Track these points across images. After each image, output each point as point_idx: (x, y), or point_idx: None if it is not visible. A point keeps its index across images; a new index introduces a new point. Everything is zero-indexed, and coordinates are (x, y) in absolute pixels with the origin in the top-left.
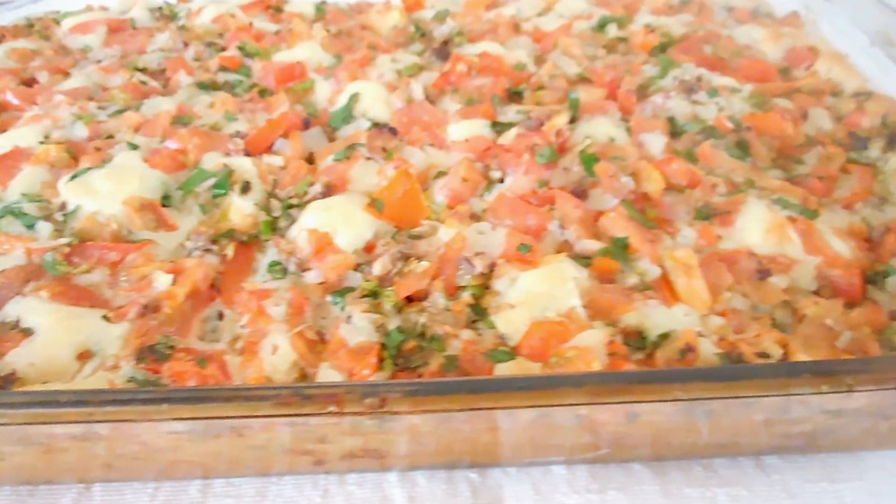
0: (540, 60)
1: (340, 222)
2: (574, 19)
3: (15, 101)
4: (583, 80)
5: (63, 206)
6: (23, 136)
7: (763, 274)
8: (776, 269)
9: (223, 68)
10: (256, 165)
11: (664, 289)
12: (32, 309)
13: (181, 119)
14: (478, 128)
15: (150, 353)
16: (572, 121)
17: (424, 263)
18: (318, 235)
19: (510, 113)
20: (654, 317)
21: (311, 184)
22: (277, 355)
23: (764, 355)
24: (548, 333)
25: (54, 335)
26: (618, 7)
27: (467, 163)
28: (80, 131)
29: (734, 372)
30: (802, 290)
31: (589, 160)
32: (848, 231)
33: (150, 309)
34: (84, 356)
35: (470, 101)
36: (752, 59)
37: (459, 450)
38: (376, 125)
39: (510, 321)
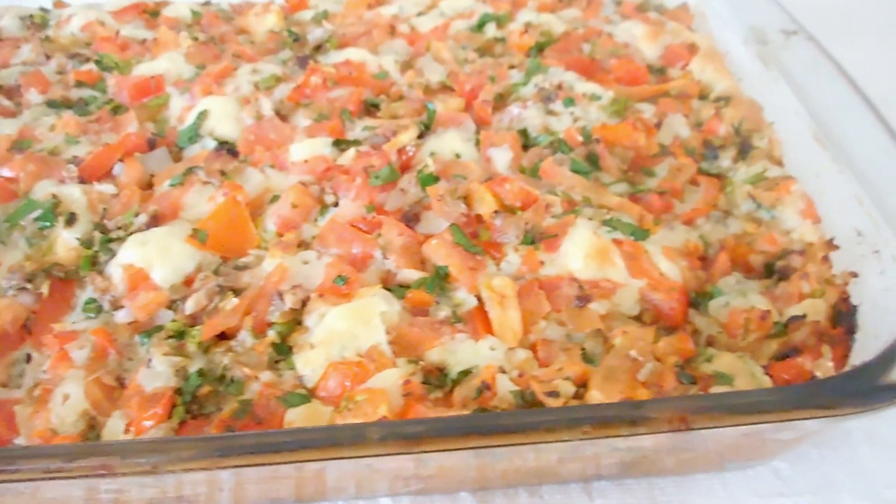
0: (408, 66)
1: (157, 257)
2: (454, 18)
3: None
4: (445, 88)
5: None
6: None
7: (583, 300)
8: (597, 294)
9: (80, 83)
10: (87, 194)
11: (478, 320)
12: None
13: (20, 144)
14: (319, 147)
15: None
16: (422, 135)
17: (234, 300)
18: (132, 271)
19: (358, 129)
20: (459, 352)
21: (138, 214)
22: (67, 405)
23: (554, 394)
24: (343, 375)
25: None
26: (505, 3)
27: (298, 188)
28: None
29: (489, 425)
30: (622, 315)
31: (426, 181)
32: (682, 250)
33: None
34: None
35: (320, 117)
36: (624, 59)
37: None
38: (223, 144)
39: (308, 362)
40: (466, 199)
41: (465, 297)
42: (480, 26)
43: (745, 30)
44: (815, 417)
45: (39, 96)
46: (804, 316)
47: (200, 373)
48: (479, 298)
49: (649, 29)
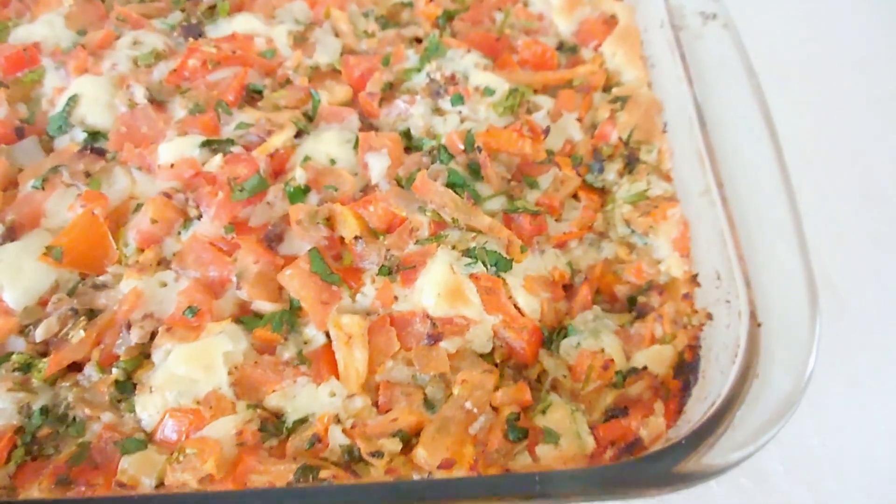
0: (302, 39)
1: (8, 277)
2: None
3: None
4: (334, 72)
5: None
6: None
7: (433, 339)
8: (449, 331)
9: None
10: None
11: (324, 360)
12: None
13: None
14: (188, 148)
15: None
16: (300, 134)
17: (80, 333)
18: None
19: (235, 122)
20: (299, 398)
21: None
22: None
23: (378, 454)
24: (179, 422)
25: None
26: None
27: (158, 201)
28: None
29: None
30: (472, 354)
31: (295, 195)
32: (546, 279)
33: None
34: None
35: (196, 108)
36: (532, 41)
37: None
38: (93, 135)
39: (147, 406)
40: (330, 220)
41: (314, 335)
42: None
43: (665, 5)
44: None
45: None
46: (644, 368)
47: (43, 410)
48: (329, 335)
49: (566, 1)
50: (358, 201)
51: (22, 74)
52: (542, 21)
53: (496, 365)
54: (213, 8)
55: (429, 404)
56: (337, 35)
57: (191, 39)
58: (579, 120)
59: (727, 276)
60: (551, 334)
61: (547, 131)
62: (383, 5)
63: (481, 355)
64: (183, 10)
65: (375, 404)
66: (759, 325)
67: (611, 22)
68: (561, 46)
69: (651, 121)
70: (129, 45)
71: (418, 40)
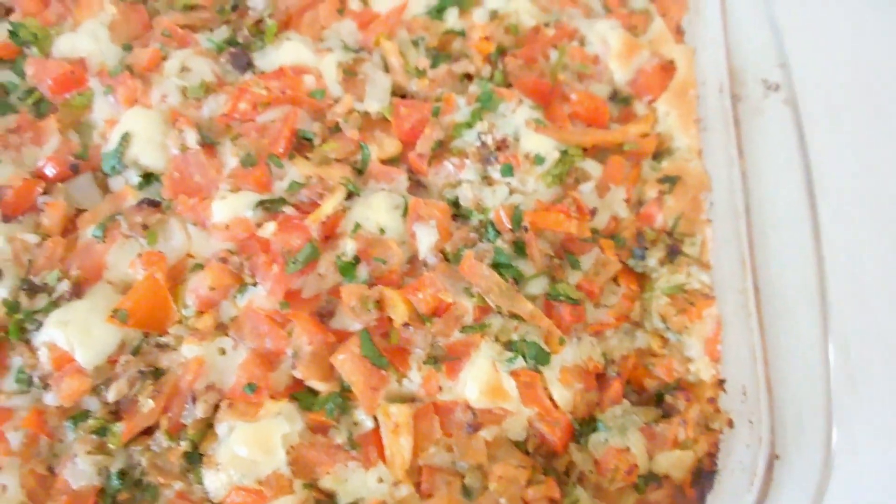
0: (352, 74)
1: (79, 339)
2: None
3: None
4: (384, 121)
5: None
6: None
7: (473, 428)
8: (488, 420)
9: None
10: (11, 243)
11: (373, 442)
12: None
13: None
14: (241, 208)
15: None
16: (350, 196)
17: (150, 403)
18: (57, 353)
19: (287, 179)
20: (350, 481)
21: (61, 278)
22: (6, 497)
23: None
24: (244, 500)
25: None
26: None
27: (216, 269)
28: None
29: None
30: (507, 442)
31: (345, 270)
32: (581, 368)
33: None
34: None
35: (248, 159)
36: (586, 95)
37: None
38: (146, 176)
39: (214, 480)
40: (380, 301)
41: (363, 419)
42: (441, 11)
43: (727, 65)
44: None
45: None
46: (666, 477)
47: (121, 474)
48: (376, 419)
49: (624, 45)
50: (408, 287)
51: (70, 96)
52: (597, 65)
53: (527, 452)
54: (259, 23)
55: (467, 492)
56: (386, 69)
57: (240, 76)
58: (627, 201)
59: (753, 396)
60: (581, 425)
61: (594, 213)
62: (434, 33)
63: (515, 442)
64: (228, 23)
65: (417, 486)
66: (777, 457)
67: (668, 69)
68: (614, 95)
69: (698, 207)
70: (176, 70)
71: (468, 76)
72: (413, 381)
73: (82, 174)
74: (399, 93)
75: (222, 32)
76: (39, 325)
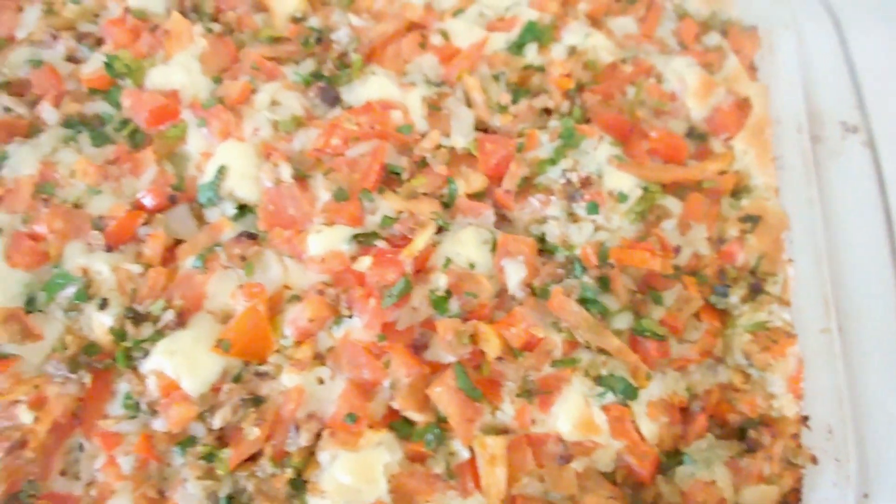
0: (436, 108)
1: (186, 367)
2: (495, 24)
3: None
4: (470, 156)
5: None
6: None
7: (565, 460)
8: (578, 452)
9: (93, 90)
10: (115, 273)
11: (469, 472)
12: None
13: (43, 188)
14: (337, 242)
15: (15, 502)
16: (440, 230)
17: (256, 431)
18: (165, 381)
19: (378, 214)
20: None
21: (165, 308)
22: None
23: None
24: None
25: None
26: (553, 2)
27: (315, 301)
28: None
29: None
30: (596, 474)
31: (438, 303)
32: (666, 402)
33: (17, 446)
34: None
35: (340, 193)
36: (667, 133)
37: None
38: (241, 208)
39: None
40: (473, 336)
41: (459, 449)
42: (520, 46)
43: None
44: None
45: (54, 111)
46: None
47: (229, 498)
48: (472, 449)
49: (701, 82)
50: (500, 322)
51: (165, 128)
52: (674, 102)
53: (615, 483)
54: (343, 56)
55: None
56: (468, 104)
57: (328, 110)
58: (708, 239)
59: (839, 434)
60: (667, 457)
61: (678, 250)
62: (513, 68)
63: (603, 474)
64: (312, 55)
65: None
66: (866, 496)
67: (743, 106)
68: (690, 132)
69: (778, 247)
70: (267, 104)
71: (547, 111)
72: (506, 413)
73: (179, 205)
74: (481, 127)
75: (308, 65)
76: (146, 353)
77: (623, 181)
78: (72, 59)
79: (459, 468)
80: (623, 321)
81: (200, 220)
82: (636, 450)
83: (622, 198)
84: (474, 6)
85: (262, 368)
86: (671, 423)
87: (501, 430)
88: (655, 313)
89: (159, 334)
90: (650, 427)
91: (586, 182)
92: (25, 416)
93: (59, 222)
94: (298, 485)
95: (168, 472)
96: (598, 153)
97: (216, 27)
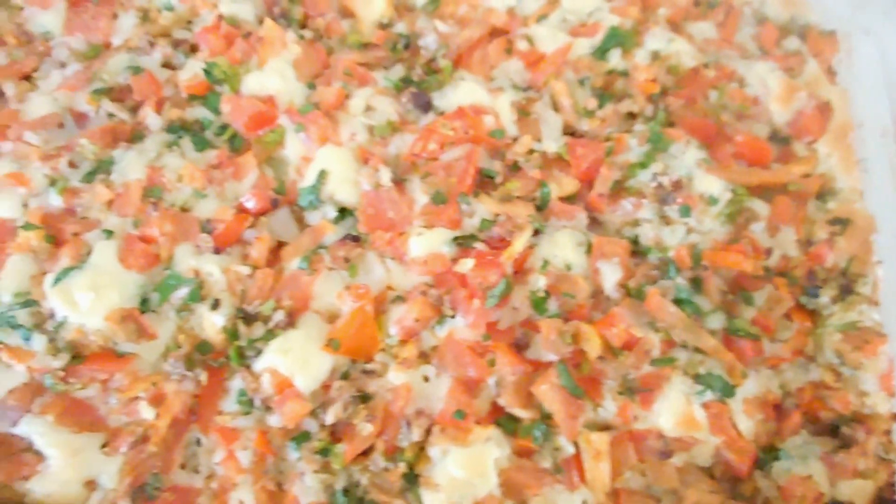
0: (525, 114)
1: (299, 366)
2: (578, 29)
3: None
4: (560, 159)
5: (52, 314)
6: (2, 205)
7: (665, 455)
8: (678, 448)
9: (192, 96)
10: (225, 274)
11: (574, 467)
12: (43, 434)
13: (151, 192)
14: (438, 244)
15: (141, 494)
16: (536, 232)
17: (369, 427)
18: (279, 379)
19: (476, 217)
20: (557, 502)
21: (275, 308)
22: None
23: None
24: None
25: (65, 469)
26: (634, 8)
27: (420, 303)
28: (56, 200)
29: None
30: (695, 469)
31: (538, 304)
32: (761, 401)
33: (140, 440)
34: (90, 485)
35: (438, 197)
36: (752, 138)
37: None
38: (341, 211)
39: (434, 500)
40: (574, 338)
41: (564, 444)
42: (604, 51)
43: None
44: None
45: (157, 117)
46: (850, 503)
47: (345, 492)
48: (576, 444)
49: (784, 87)
50: (600, 322)
51: (263, 133)
52: (757, 106)
53: (712, 477)
54: (431, 61)
55: None
56: (555, 108)
57: (421, 115)
58: (797, 241)
59: None
60: (763, 453)
61: (769, 252)
62: (598, 72)
63: (702, 468)
64: (401, 61)
65: None
66: None
67: (825, 110)
68: (773, 136)
69: (867, 249)
70: (362, 109)
71: (632, 115)
72: (608, 410)
73: (280, 208)
74: (568, 131)
75: (397, 71)
76: (258, 351)
77: (712, 184)
78: (167, 65)
79: (565, 463)
80: (715, 321)
81: (300, 222)
82: (734, 445)
83: (712, 201)
84: (557, 12)
85: (369, 366)
86: (766, 420)
87: (603, 427)
88: (746, 313)
89: (271, 333)
90: (747, 423)
91: (677, 185)
92: (147, 412)
93: (168, 225)
94: (411, 478)
95: (283, 466)
96: (686, 157)
97: (307, 34)
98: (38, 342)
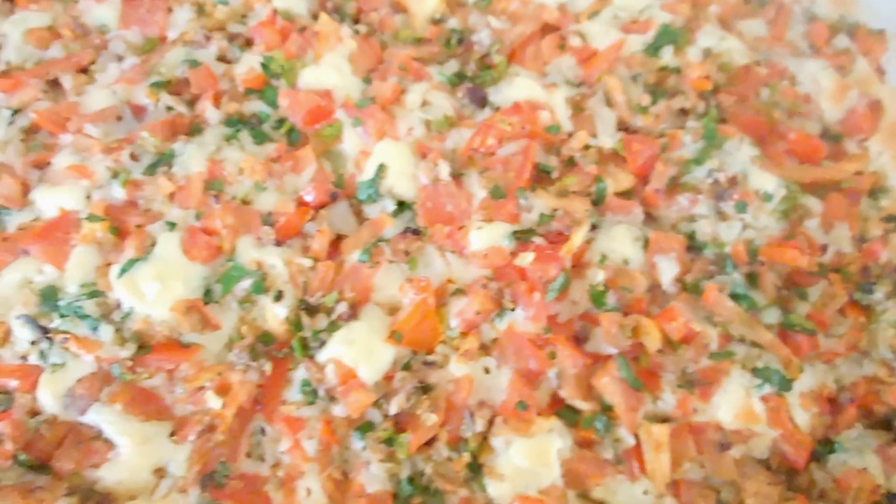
0: (579, 109)
1: (363, 357)
2: (629, 26)
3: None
4: (615, 155)
5: (118, 305)
6: (66, 197)
7: (724, 447)
8: (736, 440)
9: (249, 90)
10: (287, 266)
11: (634, 457)
12: (112, 423)
13: (213, 185)
14: (498, 237)
15: (210, 481)
16: (594, 227)
17: (434, 418)
18: (343, 370)
19: (534, 211)
20: (619, 492)
21: (338, 300)
22: (311, 500)
23: None
24: None
25: (134, 457)
26: (684, 5)
27: (481, 295)
28: (119, 193)
29: None
30: (752, 461)
31: (597, 298)
32: (816, 395)
33: (207, 429)
34: (159, 472)
35: (496, 191)
36: (801, 133)
37: None
38: (400, 204)
39: (498, 489)
40: (634, 332)
41: (625, 435)
42: (657, 48)
43: None
44: None
45: (215, 111)
46: None
47: (410, 480)
48: (637, 435)
49: (836, 85)
50: (659, 316)
51: (320, 127)
52: (808, 104)
53: (769, 469)
54: (484, 57)
55: None
56: (609, 104)
57: (477, 110)
58: (852, 237)
59: None
60: (819, 445)
61: (824, 249)
62: (650, 69)
63: (758, 460)
64: (455, 56)
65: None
66: None
67: (876, 108)
68: (824, 133)
69: None
70: (418, 104)
71: (683, 111)
72: (667, 402)
73: (339, 201)
74: (621, 127)
75: (451, 66)
76: (322, 342)
77: (767, 181)
78: (222, 58)
79: (626, 454)
80: (770, 316)
81: (358, 215)
82: (791, 438)
83: (767, 197)
84: (608, 8)
85: (430, 358)
86: (821, 413)
87: (662, 419)
88: (801, 308)
89: (334, 325)
90: (803, 417)
91: (733, 182)
92: (214, 401)
93: (230, 218)
94: (474, 468)
95: (347, 455)
96: (740, 153)
97: (361, 28)
98: (106, 332)
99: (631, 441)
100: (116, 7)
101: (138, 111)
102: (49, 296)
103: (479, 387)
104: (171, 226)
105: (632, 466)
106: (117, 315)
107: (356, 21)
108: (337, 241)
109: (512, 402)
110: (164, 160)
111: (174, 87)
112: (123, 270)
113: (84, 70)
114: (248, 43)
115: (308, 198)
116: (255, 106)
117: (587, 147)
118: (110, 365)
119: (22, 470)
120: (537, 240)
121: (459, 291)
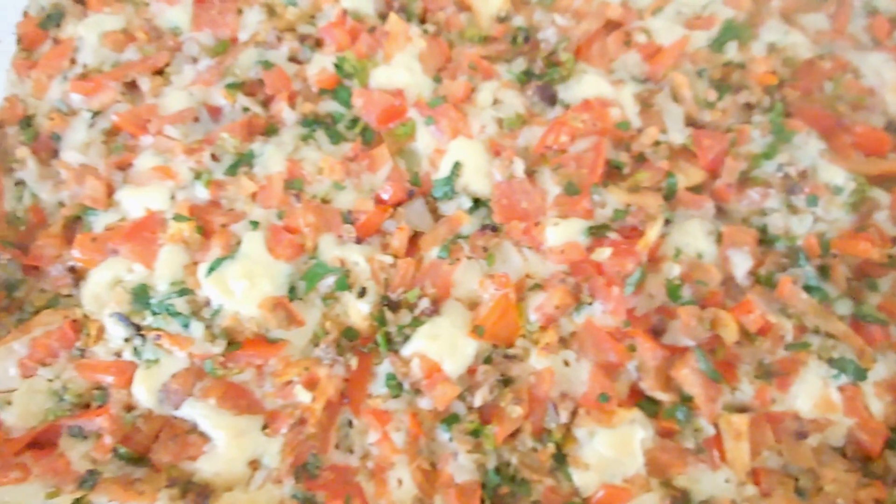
0: (647, 105)
1: (447, 351)
2: (693, 22)
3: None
4: (685, 150)
5: (207, 302)
6: (152, 198)
7: (802, 436)
8: (813, 429)
9: (322, 90)
10: (369, 263)
11: (714, 446)
12: (206, 417)
13: (293, 184)
14: (574, 233)
15: (303, 472)
16: (666, 222)
17: (518, 410)
18: (428, 364)
19: (608, 207)
20: (701, 481)
21: (420, 296)
22: (402, 490)
23: None
24: (613, 496)
25: (230, 449)
26: (747, 0)
27: (561, 291)
28: (202, 193)
29: None
30: (829, 449)
31: (674, 292)
32: (889, 384)
33: (297, 422)
34: (253, 464)
35: (570, 187)
36: (867, 126)
37: None
38: (475, 201)
39: (584, 478)
40: (712, 324)
41: (704, 426)
42: (721, 44)
43: None
44: None
45: (291, 112)
46: None
47: (497, 470)
48: (717, 427)
49: None
50: (736, 308)
51: (394, 126)
52: (873, 97)
53: (844, 456)
54: (551, 55)
55: (800, 492)
56: (675, 99)
57: (547, 107)
58: None
59: None
60: (893, 433)
61: (895, 241)
62: (715, 64)
63: (834, 448)
64: (522, 54)
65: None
66: None
67: None
68: (889, 125)
69: None
70: (489, 102)
71: (749, 106)
72: (745, 393)
73: (416, 199)
74: (689, 123)
75: (519, 64)
76: (406, 337)
77: (836, 174)
78: (294, 59)
79: (706, 443)
80: (843, 307)
81: (434, 213)
82: (867, 426)
83: (837, 190)
84: (671, 5)
85: (511, 351)
86: (893, 402)
87: (741, 409)
88: (872, 299)
89: (417, 320)
90: (877, 405)
91: (803, 175)
92: (303, 395)
93: (311, 216)
94: (559, 458)
95: (434, 447)
96: (808, 147)
97: (428, 28)
98: (197, 329)
99: (711, 431)
100: (188, 9)
101: (214, 112)
102: (140, 294)
103: (560, 379)
104: (255, 225)
105: (712, 455)
106: (207, 312)
107: (422, 20)
108: (415, 238)
109: (593, 394)
110: (244, 160)
111: (248, 87)
112: (212, 269)
113: (160, 72)
114: (318, 44)
115: (385, 196)
116: (329, 106)
117: (657, 143)
118: (202, 361)
119: (122, 462)
120: (612, 235)
121: (537, 286)
